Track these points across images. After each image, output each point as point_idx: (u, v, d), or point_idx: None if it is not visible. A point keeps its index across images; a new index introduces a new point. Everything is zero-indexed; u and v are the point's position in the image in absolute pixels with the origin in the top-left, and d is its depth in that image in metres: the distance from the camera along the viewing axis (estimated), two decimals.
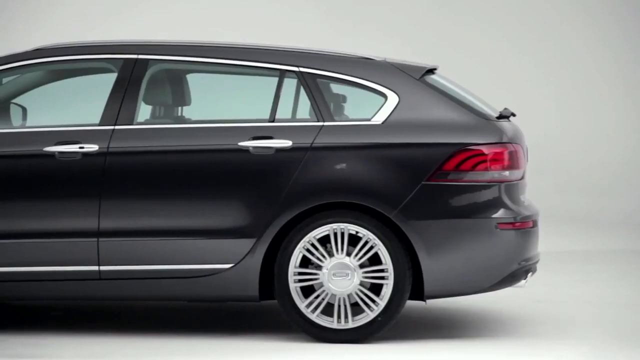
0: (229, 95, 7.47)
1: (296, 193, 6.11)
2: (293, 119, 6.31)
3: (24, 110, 6.80)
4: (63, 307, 7.25)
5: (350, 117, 6.37)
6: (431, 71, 6.58)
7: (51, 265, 6.17)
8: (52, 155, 6.18)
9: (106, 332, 6.43)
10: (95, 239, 6.15)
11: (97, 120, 6.32)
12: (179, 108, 6.78)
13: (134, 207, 6.16)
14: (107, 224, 6.14)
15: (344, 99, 6.55)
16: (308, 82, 6.33)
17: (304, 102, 6.40)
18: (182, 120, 6.69)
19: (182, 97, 6.73)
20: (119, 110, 6.28)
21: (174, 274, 6.17)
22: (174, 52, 6.49)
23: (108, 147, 6.19)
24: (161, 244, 6.16)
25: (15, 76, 6.68)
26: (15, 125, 6.63)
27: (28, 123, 6.60)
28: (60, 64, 6.53)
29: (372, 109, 6.38)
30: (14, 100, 6.77)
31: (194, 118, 6.71)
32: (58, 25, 11.93)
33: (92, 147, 6.19)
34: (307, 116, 6.37)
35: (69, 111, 6.86)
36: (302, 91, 6.33)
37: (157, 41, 6.64)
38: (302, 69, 6.35)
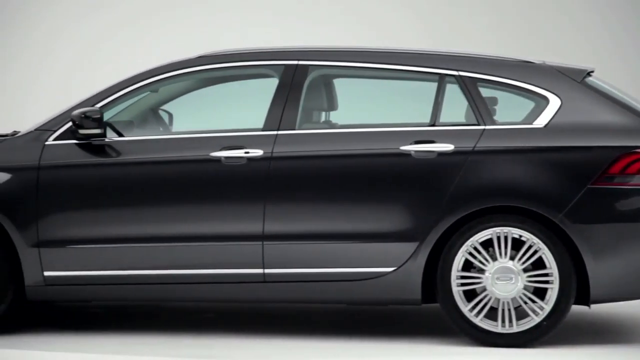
0: (373, 99, 7.53)
1: (459, 197, 6.12)
2: (453, 123, 6.34)
3: (170, 116, 7.00)
4: (215, 309, 7.40)
5: (501, 120, 6.36)
6: (589, 74, 6.53)
7: (217, 268, 6.29)
8: (218, 160, 6.32)
9: (267, 334, 6.54)
10: (260, 243, 6.25)
11: (260, 126, 6.46)
12: (327, 113, 6.89)
13: (298, 211, 6.25)
14: (271, 227, 6.24)
15: (495, 101, 6.55)
16: (468, 86, 6.34)
17: (457, 106, 6.44)
18: (331, 125, 6.79)
19: (332, 102, 6.83)
20: (282, 116, 6.39)
21: (336, 277, 6.23)
22: (334, 57, 6.57)
23: (272, 152, 6.30)
24: (325, 247, 6.23)
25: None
26: (164, 131, 6.82)
27: (191, 128, 6.75)
28: (222, 70, 6.67)
29: (521, 112, 6.38)
30: (162, 107, 6.98)
31: (340, 123, 6.80)
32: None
33: (257, 152, 6.30)
34: (462, 120, 6.41)
35: (232, 116, 7.00)
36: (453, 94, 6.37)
37: (317, 47, 6.73)
38: (461, 73, 6.36)
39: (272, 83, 6.69)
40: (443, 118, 6.38)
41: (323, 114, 6.88)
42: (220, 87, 7.11)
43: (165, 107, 6.97)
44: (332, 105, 6.82)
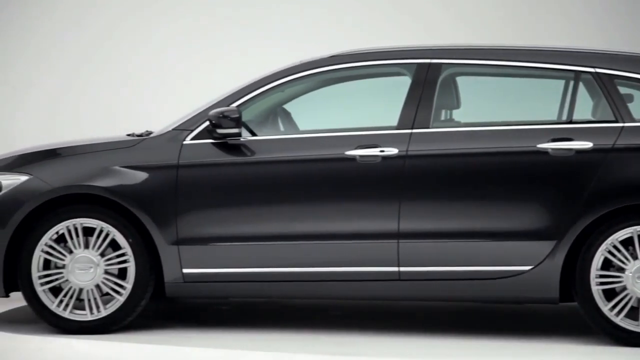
0: (495, 97, 7.48)
1: (597, 195, 6.06)
2: (590, 120, 6.28)
3: (289, 114, 7.04)
4: (340, 306, 7.44)
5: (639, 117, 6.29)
6: None
7: (351, 266, 6.33)
8: (353, 158, 6.36)
9: (401, 331, 6.57)
10: (396, 241, 6.28)
11: (391, 124, 6.47)
12: (451, 111, 6.87)
13: (433, 209, 6.25)
14: (407, 225, 6.26)
15: (630, 98, 6.46)
16: (605, 84, 6.27)
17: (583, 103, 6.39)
18: (454, 123, 6.77)
19: (458, 100, 6.81)
20: (416, 114, 6.40)
21: (471, 276, 6.23)
22: (467, 55, 6.56)
23: (407, 151, 6.31)
24: (460, 245, 6.23)
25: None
26: (285, 130, 6.88)
27: (320, 127, 6.82)
28: (354, 69, 6.70)
29: None
30: (285, 106, 7.04)
31: (463, 121, 6.78)
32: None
33: (392, 151, 6.31)
34: (589, 117, 6.35)
35: (363, 115, 7.04)
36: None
37: (450, 45, 6.73)
38: (598, 70, 6.30)
39: (399, 81, 6.72)
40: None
41: (447, 112, 6.87)
42: (348, 85, 7.15)
43: (293, 106, 7.05)
44: (458, 104, 6.82)
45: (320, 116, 7.10)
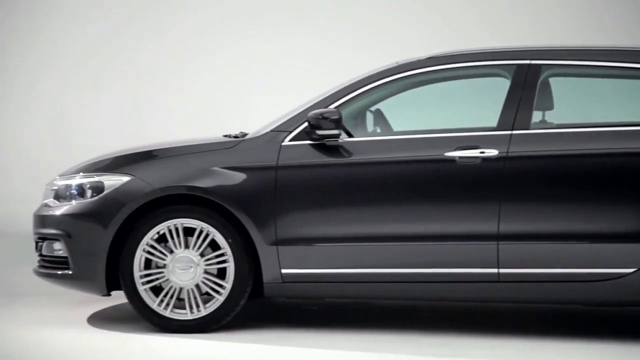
0: (585, 98, 7.44)
1: None
2: None
3: (382, 115, 7.05)
4: (430, 307, 7.44)
5: None
6: None
7: (450, 268, 6.33)
8: (452, 160, 6.36)
9: (495, 333, 6.54)
10: (495, 243, 6.26)
11: (489, 125, 6.46)
12: (544, 112, 6.83)
13: (533, 210, 6.22)
14: (507, 227, 6.23)
15: None
16: None
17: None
18: (551, 124, 6.73)
19: (552, 101, 6.77)
20: (515, 115, 6.38)
21: (572, 278, 6.19)
22: (565, 56, 6.54)
23: (507, 152, 6.30)
24: (560, 247, 6.19)
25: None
26: (379, 131, 6.92)
27: (415, 128, 6.82)
28: (452, 71, 6.70)
29: None
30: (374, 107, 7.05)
31: (556, 122, 6.74)
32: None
33: (492, 152, 6.31)
34: None
35: (456, 116, 7.03)
36: None
37: (549, 46, 6.70)
38: None
39: (490, 82, 6.72)
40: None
41: (542, 113, 6.84)
42: (438, 86, 7.16)
43: (384, 106, 7.06)
44: (552, 105, 6.78)
45: (411, 117, 7.12)
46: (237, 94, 12.21)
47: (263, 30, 12.16)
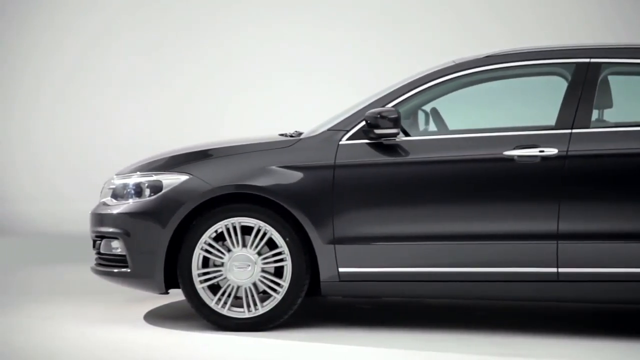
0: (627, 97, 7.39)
1: None
2: None
3: (438, 113, 7.05)
4: (484, 307, 7.40)
5: None
6: None
7: (509, 267, 6.30)
8: (511, 159, 6.33)
9: (556, 332, 6.52)
10: (555, 242, 6.23)
11: (548, 123, 6.43)
12: (601, 111, 6.78)
13: (593, 210, 6.19)
14: (566, 226, 6.20)
15: None
16: None
17: None
18: (609, 122, 6.68)
19: (610, 99, 6.73)
20: (575, 114, 6.35)
21: (632, 277, 6.15)
22: (629, 55, 6.50)
23: (567, 151, 6.26)
24: (620, 247, 6.15)
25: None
26: (435, 130, 6.90)
27: (470, 127, 6.80)
28: (510, 70, 6.66)
29: None
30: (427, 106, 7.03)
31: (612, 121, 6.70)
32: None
33: (552, 151, 6.27)
34: None
35: (522, 115, 7.00)
36: None
37: (608, 44, 6.67)
38: None
39: (544, 80, 6.68)
40: None
41: (601, 111, 6.80)
42: (493, 85, 7.13)
43: (439, 104, 7.04)
44: (611, 103, 6.73)
45: (466, 116, 7.09)
46: (284, 94, 12.26)
47: (304, 28, 12.20)
